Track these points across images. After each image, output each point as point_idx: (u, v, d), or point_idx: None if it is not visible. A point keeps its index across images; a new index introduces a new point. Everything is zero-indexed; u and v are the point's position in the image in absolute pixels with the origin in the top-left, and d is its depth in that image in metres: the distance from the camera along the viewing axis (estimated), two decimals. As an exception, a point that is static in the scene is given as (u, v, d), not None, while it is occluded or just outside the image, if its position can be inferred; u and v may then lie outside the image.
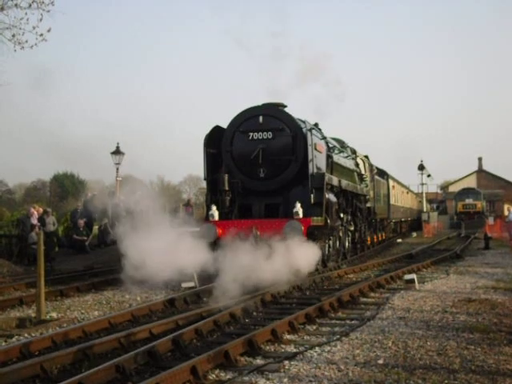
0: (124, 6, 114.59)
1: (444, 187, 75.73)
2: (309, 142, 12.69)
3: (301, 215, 12.18)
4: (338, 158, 15.69)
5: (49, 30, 15.35)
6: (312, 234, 12.40)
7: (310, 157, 12.70)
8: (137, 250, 11.72)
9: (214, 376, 5.96)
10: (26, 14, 15.17)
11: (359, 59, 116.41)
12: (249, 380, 5.77)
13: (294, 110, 13.56)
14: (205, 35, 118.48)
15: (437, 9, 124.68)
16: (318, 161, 13.17)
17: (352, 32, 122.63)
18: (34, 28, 15.20)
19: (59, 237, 20.75)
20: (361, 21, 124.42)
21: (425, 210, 46.83)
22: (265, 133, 13.01)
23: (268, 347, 7.08)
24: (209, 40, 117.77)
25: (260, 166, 13.00)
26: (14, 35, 15.24)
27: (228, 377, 5.93)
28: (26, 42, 15.32)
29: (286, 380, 5.74)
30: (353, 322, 8.58)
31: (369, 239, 21.47)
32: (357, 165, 19.08)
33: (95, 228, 22.58)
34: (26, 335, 8.07)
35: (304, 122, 13.24)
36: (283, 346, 7.16)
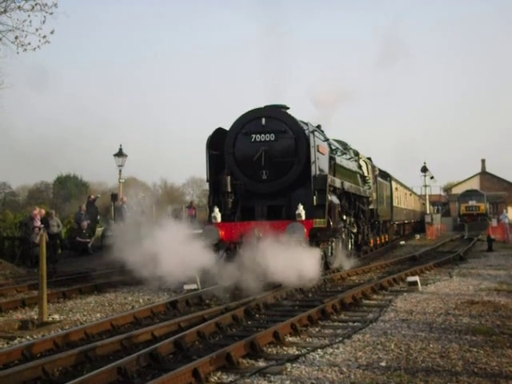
0: (124, 6, 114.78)
1: (447, 189, 75.62)
2: (311, 143, 12.67)
3: (303, 217, 12.15)
4: (341, 160, 15.67)
5: (52, 32, 15.36)
6: (314, 236, 12.39)
7: (312, 159, 12.68)
8: (140, 251, 11.76)
9: (216, 378, 5.96)
10: (28, 16, 15.19)
11: (361, 60, 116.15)
12: (251, 382, 5.76)
13: (297, 111, 13.57)
14: (208, 39, 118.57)
15: (438, 9, 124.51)
16: (320, 163, 13.16)
17: (352, 31, 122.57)
18: (36, 30, 15.22)
19: (62, 239, 20.78)
20: (362, 19, 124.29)
21: (428, 211, 46.70)
22: (267, 135, 13.00)
23: (270, 349, 7.08)
24: (212, 40, 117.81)
25: (263, 167, 12.99)
26: (16, 37, 15.25)
27: (230, 379, 5.92)
28: (29, 44, 15.33)
29: (288, 382, 5.73)
30: (355, 324, 8.57)
31: (372, 241, 21.44)
32: (359, 167, 19.06)
33: (98, 230, 22.60)
34: (28, 337, 8.08)
35: (307, 123, 13.23)
36: (285, 348, 7.15)
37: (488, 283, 12.78)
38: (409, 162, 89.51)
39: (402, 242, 30.52)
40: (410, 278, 12.32)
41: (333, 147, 15.05)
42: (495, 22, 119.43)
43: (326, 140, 14.48)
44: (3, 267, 16.42)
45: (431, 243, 29.77)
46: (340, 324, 8.64)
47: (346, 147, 18.08)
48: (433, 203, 59.78)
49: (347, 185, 15.42)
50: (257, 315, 9.33)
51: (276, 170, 12.98)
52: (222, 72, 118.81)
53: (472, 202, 52.46)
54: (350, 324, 8.58)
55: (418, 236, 38.04)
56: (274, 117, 13.15)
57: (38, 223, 18.94)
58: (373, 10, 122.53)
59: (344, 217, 15.35)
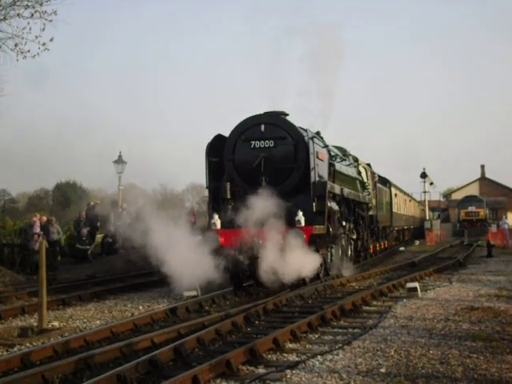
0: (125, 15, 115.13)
1: (447, 195, 75.64)
2: (311, 150, 12.70)
3: (303, 223, 12.17)
4: (340, 166, 15.69)
5: (51, 40, 15.40)
6: (314, 243, 12.39)
7: (311, 165, 12.71)
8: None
9: (216, 385, 5.95)
10: (28, 23, 15.24)
11: (360, 65, 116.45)
12: (250, 389, 5.75)
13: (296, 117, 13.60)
14: (208, 45, 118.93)
15: (438, 12, 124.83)
16: (319, 169, 13.17)
17: (352, 35, 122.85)
18: (36, 37, 15.26)
19: (61, 246, 20.76)
20: (359, 24, 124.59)
21: (427, 217, 46.70)
22: (267, 141, 13.02)
23: (270, 356, 7.06)
24: (212, 47, 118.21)
25: (262, 174, 13.00)
26: (16, 45, 15.29)
27: (230, 386, 5.92)
28: (29, 51, 15.37)
29: (287, 389, 5.73)
30: (355, 330, 8.55)
31: (371, 247, 21.43)
32: (359, 173, 19.08)
33: (98, 237, 22.58)
34: (27, 344, 8.06)
35: (306, 130, 13.27)
36: (285, 354, 7.14)
37: (488, 289, 12.77)
38: (408, 168, 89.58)
39: (402, 248, 30.49)
40: (410, 284, 12.31)
41: (332, 153, 15.08)
42: (496, 26, 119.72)
43: (326, 146, 14.50)
44: (3, 274, 16.40)
45: (431, 249, 29.75)
46: (340, 330, 8.63)
47: (345, 153, 18.10)
48: (432, 209, 59.76)
49: (347, 191, 15.43)
50: (256, 322, 9.32)
51: (275, 177, 12.99)
52: (222, 78, 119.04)
53: (471, 208, 52.49)
54: (350, 330, 8.57)
55: (417, 242, 38.04)
56: (273, 123, 13.17)
57: (37, 230, 18.92)
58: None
59: (343, 223, 15.36)
